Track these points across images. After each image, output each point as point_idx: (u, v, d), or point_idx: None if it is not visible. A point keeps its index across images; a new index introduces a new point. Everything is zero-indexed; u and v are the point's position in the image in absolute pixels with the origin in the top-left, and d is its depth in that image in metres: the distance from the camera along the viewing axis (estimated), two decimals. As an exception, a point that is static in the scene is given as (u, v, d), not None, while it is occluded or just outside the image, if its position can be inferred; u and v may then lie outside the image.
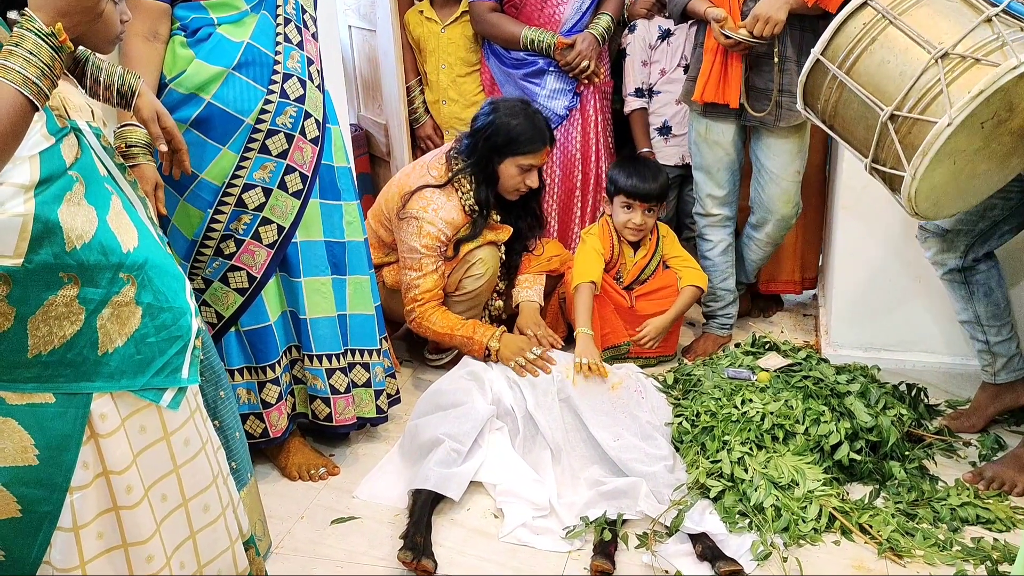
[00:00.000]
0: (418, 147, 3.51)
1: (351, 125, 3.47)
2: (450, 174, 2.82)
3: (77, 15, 1.24)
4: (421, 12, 3.37)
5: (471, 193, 2.81)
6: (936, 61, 1.81)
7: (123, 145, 1.92)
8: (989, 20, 1.82)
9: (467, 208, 2.82)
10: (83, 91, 1.58)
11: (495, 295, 3.00)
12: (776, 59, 2.74)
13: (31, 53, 1.18)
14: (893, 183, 1.96)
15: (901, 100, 1.85)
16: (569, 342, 2.95)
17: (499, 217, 2.91)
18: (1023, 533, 2.12)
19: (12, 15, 1.36)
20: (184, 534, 1.52)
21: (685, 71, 3.14)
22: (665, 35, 3.20)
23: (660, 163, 3.21)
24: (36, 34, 1.19)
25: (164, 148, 1.70)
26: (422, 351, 3.13)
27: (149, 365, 1.42)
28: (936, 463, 2.42)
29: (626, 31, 3.28)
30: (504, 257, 2.96)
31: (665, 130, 3.27)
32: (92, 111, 1.47)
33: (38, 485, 1.34)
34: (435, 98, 3.42)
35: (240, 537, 1.65)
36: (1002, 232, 2.35)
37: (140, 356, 1.41)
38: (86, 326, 1.35)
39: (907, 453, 2.39)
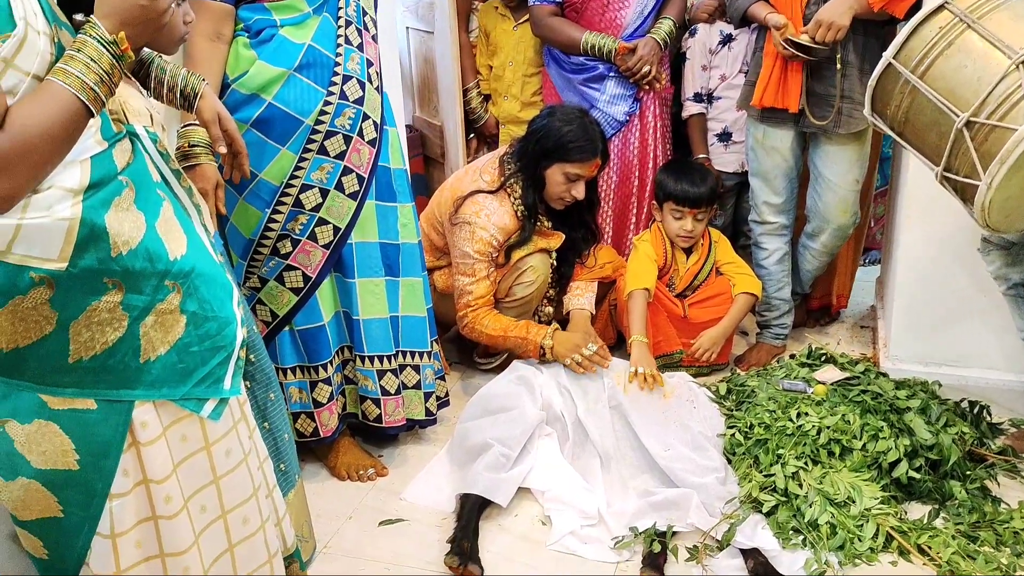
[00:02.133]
0: (485, 143, 3.56)
1: (406, 126, 3.49)
2: (502, 179, 2.81)
3: (141, 26, 1.24)
4: (496, 8, 3.41)
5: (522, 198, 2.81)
6: (1017, 67, 1.75)
7: (186, 144, 1.93)
8: (1074, 26, 1.76)
9: (519, 213, 2.80)
10: (146, 93, 1.59)
11: (545, 301, 2.98)
12: (838, 64, 2.68)
13: (92, 59, 1.19)
14: (965, 193, 1.90)
15: (978, 106, 1.79)
16: (619, 348, 2.92)
17: (550, 224, 2.89)
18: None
19: (79, 17, 1.38)
20: (222, 546, 1.51)
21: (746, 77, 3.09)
22: (726, 40, 3.15)
23: (718, 169, 3.17)
24: (98, 41, 1.20)
25: (223, 150, 1.69)
26: (471, 354, 3.12)
27: (191, 374, 1.40)
28: (999, 484, 2.34)
29: (687, 35, 3.23)
30: (555, 263, 2.94)
31: (725, 136, 3.22)
32: (151, 116, 1.48)
33: (78, 489, 1.34)
34: (500, 91, 3.44)
35: (281, 551, 1.64)
36: (1071, 247, 2.27)
37: (182, 365, 1.39)
38: (128, 333, 1.34)
39: (968, 473, 2.31)
